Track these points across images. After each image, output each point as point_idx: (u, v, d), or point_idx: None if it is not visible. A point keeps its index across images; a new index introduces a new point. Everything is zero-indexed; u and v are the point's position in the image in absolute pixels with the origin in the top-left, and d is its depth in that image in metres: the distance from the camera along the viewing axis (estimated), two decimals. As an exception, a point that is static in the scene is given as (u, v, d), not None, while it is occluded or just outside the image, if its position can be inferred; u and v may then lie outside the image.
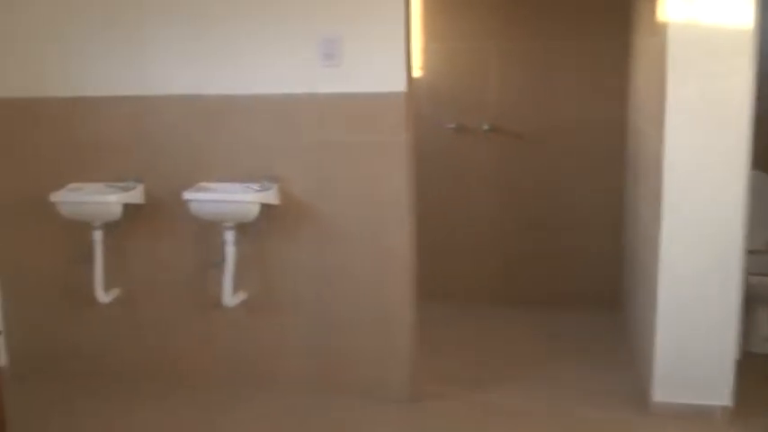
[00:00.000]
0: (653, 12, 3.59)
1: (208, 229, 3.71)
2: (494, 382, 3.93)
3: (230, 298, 3.69)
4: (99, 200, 3.67)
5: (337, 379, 3.78)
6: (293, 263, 3.72)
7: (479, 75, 4.86)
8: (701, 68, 3.20)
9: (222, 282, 3.66)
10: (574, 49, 4.71)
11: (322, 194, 3.62)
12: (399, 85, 3.45)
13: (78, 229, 3.81)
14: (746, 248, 3.36)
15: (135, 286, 3.92)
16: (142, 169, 3.77)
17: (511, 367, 4.12)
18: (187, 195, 3.55)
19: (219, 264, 3.67)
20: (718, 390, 3.44)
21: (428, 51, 4.87)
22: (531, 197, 4.93)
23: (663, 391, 3.50)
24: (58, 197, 3.68)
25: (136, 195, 3.74)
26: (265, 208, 3.58)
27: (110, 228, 3.80)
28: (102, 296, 3.85)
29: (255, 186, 3.60)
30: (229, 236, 3.63)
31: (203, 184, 3.66)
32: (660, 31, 3.36)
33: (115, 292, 3.91)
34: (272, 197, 3.59)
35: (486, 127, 4.87)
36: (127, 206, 3.70)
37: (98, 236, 3.79)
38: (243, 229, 3.66)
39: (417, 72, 4.81)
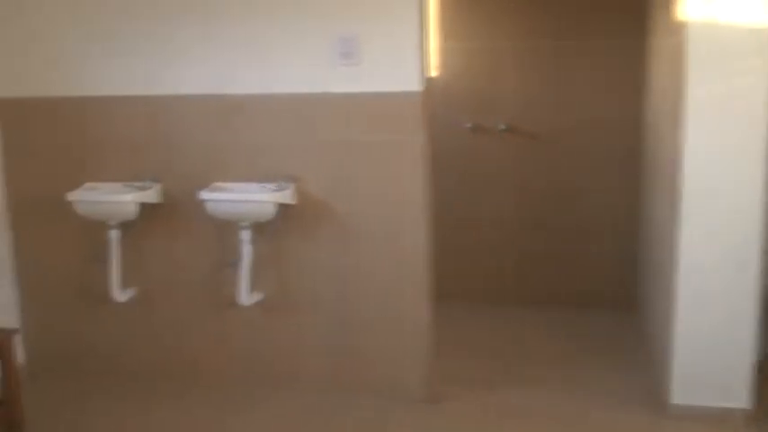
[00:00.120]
0: (671, 11, 3.57)
1: (224, 229, 3.71)
2: (509, 383, 3.91)
3: (246, 297, 3.69)
4: (115, 199, 3.68)
5: (353, 379, 3.78)
6: (309, 262, 3.71)
7: (495, 74, 4.84)
8: (720, 68, 3.18)
9: (238, 281, 3.67)
10: (590, 49, 4.69)
11: (338, 194, 3.62)
12: (416, 85, 3.45)
13: (95, 229, 3.82)
14: (765, 249, 3.34)
15: (151, 286, 3.93)
16: (159, 169, 3.78)
17: (527, 368, 4.10)
18: (204, 195, 3.55)
19: (236, 263, 3.67)
20: (737, 392, 3.41)
21: (444, 51, 4.87)
22: (546, 197, 4.91)
23: (681, 394, 3.48)
24: (74, 196, 3.69)
25: (152, 195, 3.75)
26: (282, 207, 3.58)
27: (126, 227, 3.81)
28: (119, 295, 3.86)
29: (272, 186, 3.60)
30: (246, 235, 3.64)
31: (220, 183, 3.67)
32: (679, 30, 3.34)
33: (131, 292, 3.92)
34: (288, 197, 3.59)
35: (502, 127, 4.86)
36: (143, 205, 3.72)
37: (114, 235, 3.80)
38: (259, 228, 3.66)
39: (433, 72, 4.80)
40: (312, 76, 3.54)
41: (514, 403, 3.71)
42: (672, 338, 3.44)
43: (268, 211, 3.53)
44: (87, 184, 3.81)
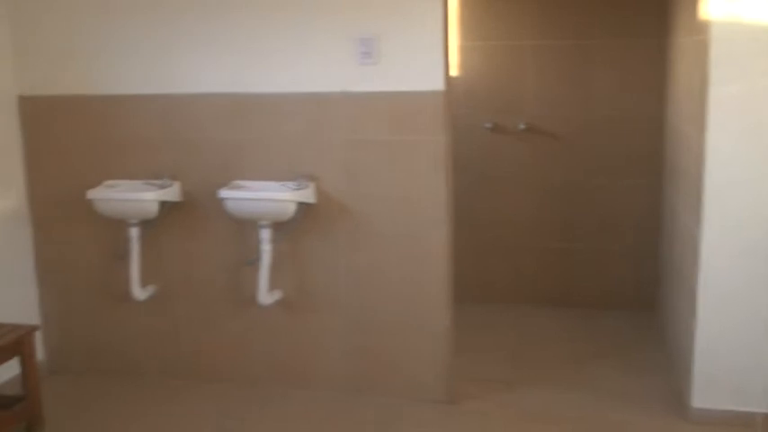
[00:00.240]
0: (694, 10, 3.54)
1: (243, 228, 3.71)
2: (529, 384, 3.89)
3: (266, 296, 3.69)
4: (135, 197, 3.69)
5: (371, 378, 3.77)
6: (329, 262, 3.71)
7: (516, 74, 4.82)
8: (744, 67, 3.15)
9: (258, 280, 3.67)
10: (610, 48, 4.67)
11: (358, 194, 3.61)
12: (437, 84, 3.43)
13: (115, 226, 3.84)
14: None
15: (171, 284, 3.93)
16: (178, 167, 3.78)
17: (547, 369, 4.09)
18: (223, 194, 3.55)
19: (255, 262, 3.67)
20: (759, 396, 3.37)
21: (465, 50, 4.85)
22: (567, 197, 4.88)
23: (702, 397, 3.44)
24: (94, 194, 3.71)
25: (172, 193, 3.76)
26: (302, 206, 3.57)
27: (146, 225, 3.82)
28: (139, 293, 3.87)
29: (292, 185, 3.59)
30: (265, 234, 3.63)
31: (239, 182, 3.67)
32: (702, 29, 3.31)
33: (151, 290, 3.93)
34: (308, 196, 3.58)
35: (522, 126, 4.84)
36: (164, 204, 3.72)
37: (134, 233, 3.81)
38: (279, 227, 3.65)
39: (454, 71, 4.78)
40: (333, 75, 3.53)
41: (533, 404, 3.70)
42: (693, 340, 3.41)
43: (288, 209, 3.53)
44: (107, 182, 3.82)
